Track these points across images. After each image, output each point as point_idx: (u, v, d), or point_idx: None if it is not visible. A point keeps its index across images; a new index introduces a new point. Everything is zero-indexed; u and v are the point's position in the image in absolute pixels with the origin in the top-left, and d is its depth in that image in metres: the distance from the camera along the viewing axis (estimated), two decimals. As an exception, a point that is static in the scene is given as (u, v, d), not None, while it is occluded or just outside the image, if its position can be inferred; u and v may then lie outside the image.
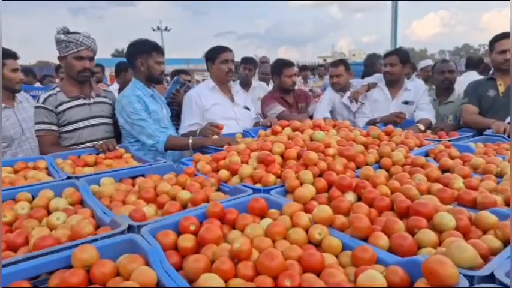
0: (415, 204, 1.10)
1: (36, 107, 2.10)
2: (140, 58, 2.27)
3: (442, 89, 3.23)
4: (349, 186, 1.31)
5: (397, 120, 2.77)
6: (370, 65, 4.06)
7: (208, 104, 2.60)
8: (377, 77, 3.45)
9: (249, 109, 2.85)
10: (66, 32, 2.05)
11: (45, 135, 2.08)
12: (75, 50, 2.05)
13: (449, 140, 2.16)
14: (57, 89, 2.15)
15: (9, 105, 2.36)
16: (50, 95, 2.10)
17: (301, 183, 1.31)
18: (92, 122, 2.19)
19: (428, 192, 1.33)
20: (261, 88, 3.86)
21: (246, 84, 3.93)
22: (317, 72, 7.84)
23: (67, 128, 2.13)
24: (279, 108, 3.04)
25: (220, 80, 2.67)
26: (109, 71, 9.07)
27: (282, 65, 3.17)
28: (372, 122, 2.99)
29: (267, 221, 1.06)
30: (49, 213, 1.22)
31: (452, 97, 3.19)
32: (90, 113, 2.19)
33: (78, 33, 2.06)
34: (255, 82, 3.97)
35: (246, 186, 1.34)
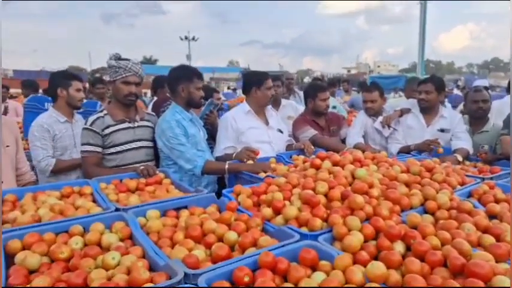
0: (472, 264, 1.07)
1: (83, 129, 2.20)
2: (182, 84, 2.33)
3: (476, 118, 3.13)
4: (398, 235, 1.28)
5: (429, 148, 2.72)
6: (408, 89, 3.99)
7: (243, 127, 2.63)
8: (411, 103, 3.39)
9: (282, 132, 2.86)
10: (118, 58, 2.15)
11: (90, 156, 2.16)
12: (124, 75, 2.14)
13: (491, 178, 2.10)
14: (105, 111, 2.24)
15: (69, 120, 2.56)
16: (97, 118, 2.19)
17: (349, 230, 1.30)
18: (134, 145, 2.26)
19: (478, 243, 1.30)
20: (290, 106, 3.84)
21: (275, 102, 3.93)
22: (342, 88, 7.76)
23: (111, 150, 2.21)
24: (311, 132, 3.03)
25: (261, 105, 2.72)
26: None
27: (317, 89, 3.17)
28: (405, 150, 2.94)
29: (320, 276, 1.05)
30: (101, 248, 1.26)
31: (487, 126, 3.07)
32: (134, 136, 2.27)
33: (128, 60, 2.16)
34: (284, 101, 3.96)
35: (291, 229, 1.34)
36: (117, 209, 1.53)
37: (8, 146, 1.92)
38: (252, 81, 2.73)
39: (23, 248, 1.21)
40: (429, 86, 3.00)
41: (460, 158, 2.63)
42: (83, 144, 2.18)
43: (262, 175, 2.14)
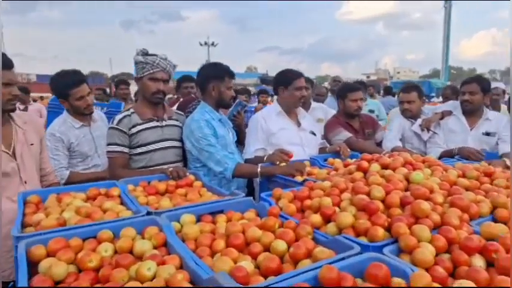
0: None
1: (110, 128, 2.08)
2: (212, 83, 2.20)
3: None
4: (477, 249, 1.09)
5: (472, 158, 2.49)
6: None
7: (274, 128, 2.48)
8: (451, 105, 3.17)
9: (315, 134, 2.69)
10: (145, 54, 2.03)
11: (117, 157, 2.04)
12: (151, 71, 2.02)
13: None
14: (132, 110, 2.12)
15: (86, 123, 2.35)
16: (124, 117, 2.07)
17: (418, 241, 1.11)
18: (162, 144, 2.13)
19: None
20: (320, 109, 3.68)
21: (304, 105, 3.77)
22: (368, 92, 7.48)
23: (139, 150, 2.08)
24: (346, 134, 2.85)
25: (290, 106, 2.55)
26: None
27: (347, 89, 3.01)
28: (447, 154, 2.72)
29: (396, 297, 0.87)
30: (133, 255, 1.12)
31: None
32: (162, 135, 2.14)
33: (156, 55, 2.04)
34: (314, 103, 3.80)
35: (348, 239, 1.16)
36: (148, 213, 1.39)
37: (32, 144, 1.82)
38: (279, 81, 2.58)
39: (48, 255, 1.08)
40: (474, 87, 2.79)
41: (508, 163, 2.39)
42: (109, 144, 2.06)
43: (299, 179, 1.98)
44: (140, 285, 0.94)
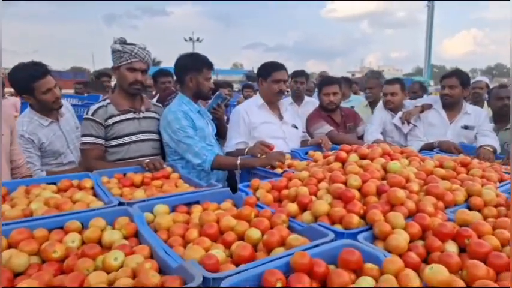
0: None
1: (85, 119, 2.00)
2: (190, 74, 2.15)
3: (500, 115, 2.97)
4: (450, 235, 1.09)
5: (452, 151, 2.52)
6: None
7: (257, 121, 2.45)
8: (432, 99, 3.22)
9: (297, 127, 2.68)
10: (123, 43, 1.96)
11: (91, 148, 1.97)
12: (129, 60, 1.95)
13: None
14: (108, 101, 2.05)
15: (54, 119, 2.17)
16: (100, 107, 2.00)
17: (392, 228, 1.11)
18: (140, 137, 2.07)
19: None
20: (312, 103, 3.68)
21: (298, 98, 3.77)
22: (352, 89, 7.53)
23: (115, 142, 2.01)
24: (327, 128, 2.85)
25: (269, 99, 2.52)
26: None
27: (322, 83, 3.04)
28: (428, 147, 2.75)
29: (367, 281, 0.86)
30: (102, 247, 1.08)
31: None
32: (139, 127, 2.08)
33: (134, 44, 1.97)
34: (307, 98, 3.80)
35: (323, 226, 1.15)
36: (120, 203, 1.34)
37: (1, 135, 1.74)
38: (259, 73, 2.54)
39: (9, 246, 1.02)
40: (453, 81, 2.83)
41: (492, 149, 2.46)
42: (83, 136, 1.99)
43: (278, 170, 1.96)
44: (105, 275, 0.90)
